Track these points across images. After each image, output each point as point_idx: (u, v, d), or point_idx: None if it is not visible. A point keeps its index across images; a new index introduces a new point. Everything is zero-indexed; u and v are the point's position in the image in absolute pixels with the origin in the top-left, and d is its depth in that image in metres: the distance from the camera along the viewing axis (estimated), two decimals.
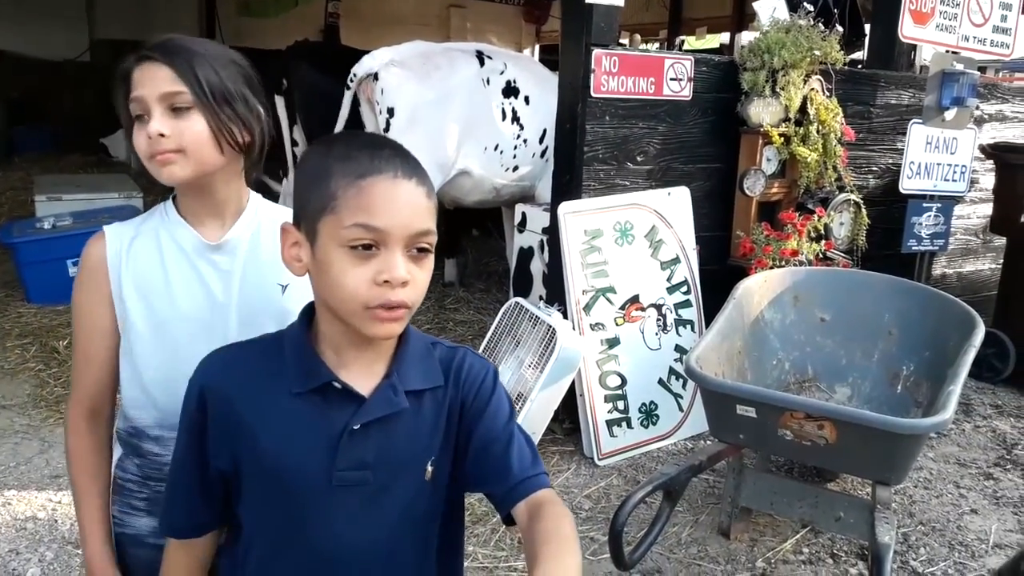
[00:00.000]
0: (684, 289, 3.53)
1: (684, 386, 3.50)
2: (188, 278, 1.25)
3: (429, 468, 1.05)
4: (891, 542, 2.21)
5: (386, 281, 0.96)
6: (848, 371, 3.10)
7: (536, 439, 3.20)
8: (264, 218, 1.31)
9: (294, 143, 4.77)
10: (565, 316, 3.29)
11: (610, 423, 3.31)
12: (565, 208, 3.29)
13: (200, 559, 1.15)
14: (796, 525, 2.86)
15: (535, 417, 3.16)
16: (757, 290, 3.10)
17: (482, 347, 3.52)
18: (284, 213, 1.32)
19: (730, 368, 2.83)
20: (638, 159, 3.50)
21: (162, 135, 1.16)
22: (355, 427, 1.01)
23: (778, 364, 3.11)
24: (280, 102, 4.71)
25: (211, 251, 1.26)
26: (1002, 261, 4.37)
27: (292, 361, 1.04)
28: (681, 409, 3.49)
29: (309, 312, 1.08)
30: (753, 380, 2.94)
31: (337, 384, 1.02)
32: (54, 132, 9.08)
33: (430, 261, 1.02)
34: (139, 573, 1.31)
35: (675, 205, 3.52)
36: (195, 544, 1.13)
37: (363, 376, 1.03)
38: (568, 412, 3.41)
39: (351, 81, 4.04)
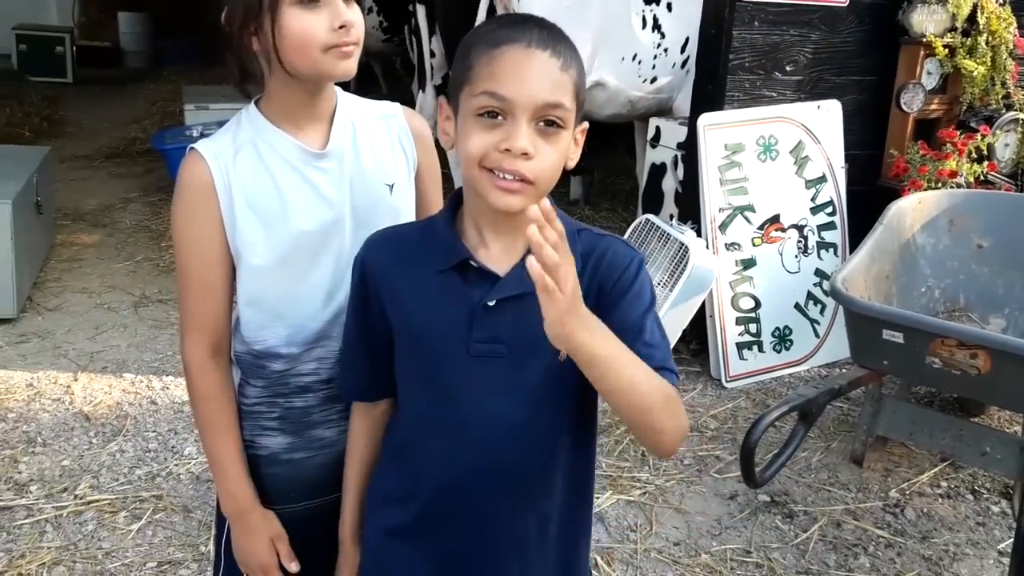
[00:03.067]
0: (829, 210, 3.36)
1: (822, 312, 3.37)
2: (302, 190, 1.20)
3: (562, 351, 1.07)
4: None
5: (507, 149, 0.97)
6: (1005, 302, 2.89)
7: None
8: (355, 116, 1.26)
9: (432, 54, 4.77)
10: (699, 235, 3.20)
11: (740, 346, 3.25)
12: (705, 120, 3.17)
13: (376, 424, 1.21)
14: (934, 458, 2.75)
15: None
16: (910, 212, 2.92)
17: None
18: (370, 107, 1.29)
19: (876, 293, 2.70)
20: (787, 69, 3.31)
21: (346, 26, 1.12)
22: (489, 303, 1.04)
23: (927, 291, 2.94)
24: (421, 11, 4.69)
25: (317, 159, 1.21)
26: None
27: (437, 240, 1.08)
28: (817, 335, 3.38)
29: (459, 194, 1.10)
30: (899, 306, 2.79)
31: (473, 263, 1.05)
32: (200, 44, 9.46)
33: (563, 139, 1.01)
34: (276, 491, 1.29)
35: (825, 120, 3.32)
36: (371, 409, 1.20)
37: (503, 255, 1.06)
38: (696, 333, 3.36)
39: None
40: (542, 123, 0.98)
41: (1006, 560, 2.26)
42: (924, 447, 2.71)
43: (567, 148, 1.03)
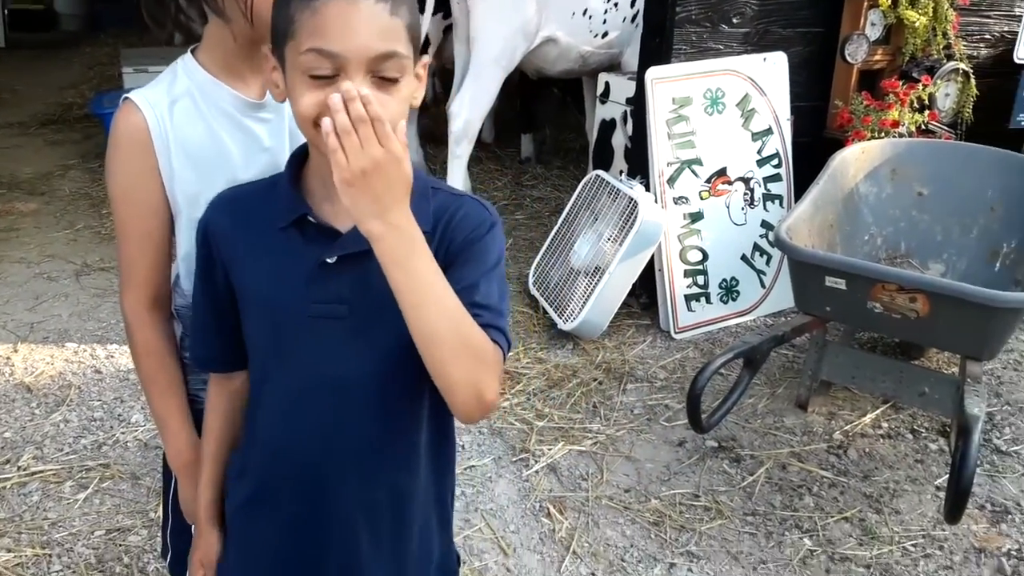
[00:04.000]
0: (775, 162, 3.40)
1: (768, 263, 3.42)
2: (240, 140, 1.20)
3: None
4: (980, 414, 2.16)
5: None
6: (944, 248, 2.97)
7: (612, 312, 3.21)
8: None
9: None
10: (647, 189, 3.22)
11: (688, 298, 3.29)
12: (653, 74, 3.16)
13: (232, 399, 1.17)
14: (876, 401, 2.83)
15: (612, 290, 3.16)
16: (853, 162, 2.96)
17: (560, 221, 3.50)
18: None
19: (820, 242, 2.75)
20: (734, 21, 3.31)
21: None
22: (328, 260, 1.00)
23: (870, 239, 3.00)
24: None
25: (256, 109, 1.20)
26: None
27: (279, 197, 1.04)
28: (763, 286, 3.43)
29: (302, 151, 1.05)
30: (843, 254, 2.84)
31: (312, 218, 1.01)
32: (136, 6, 9.11)
33: (403, 86, 0.94)
34: None
35: (771, 72, 3.34)
36: (226, 383, 1.17)
37: (348, 212, 0.98)
38: (646, 287, 3.39)
39: None
40: (378, 78, 0.92)
41: (943, 494, 2.35)
42: (866, 390, 2.79)
43: (410, 92, 0.97)
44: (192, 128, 1.17)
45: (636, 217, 3.08)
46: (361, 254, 0.96)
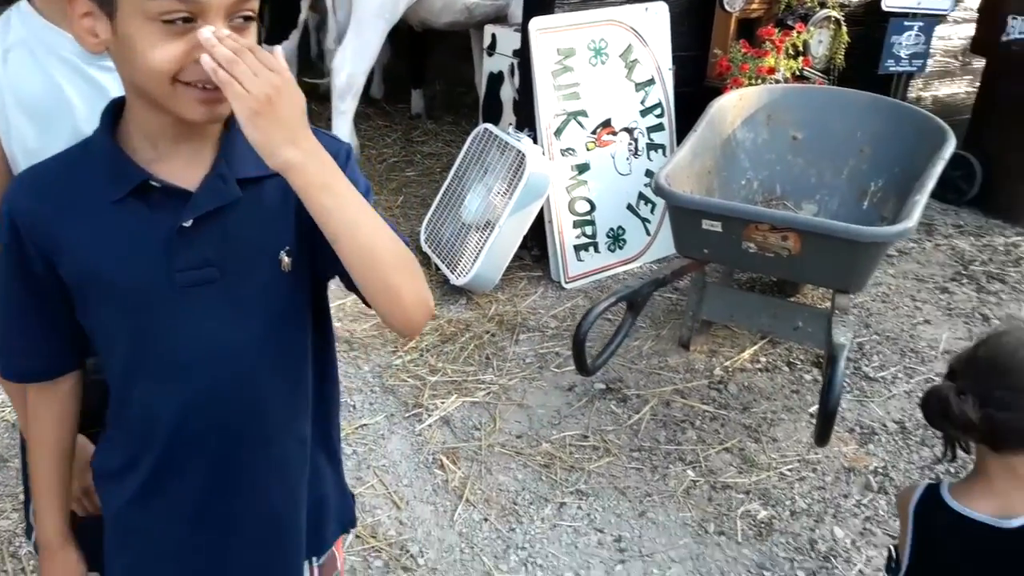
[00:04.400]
0: (658, 112, 3.46)
1: (652, 211, 3.50)
2: (84, 90, 1.11)
3: (285, 258, 0.97)
4: (847, 343, 2.29)
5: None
6: (816, 189, 3.10)
7: (504, 266, 3.22)
8: None
9: None
10: (535, 142, 3.23)
11: (578, 248, 3.34)
12: (536, 24, 3.15)
13: (66, 404, 1.07)
14: (754, 337, 2.96)
15: (503, 243, 3.17)
16: (731, 109, 3.04)
17: (450, 176, 3.47)
18: None
19: (699, 187, 2.82)
20: None
21: None
22: (185, 224, 0.92)
23: (747, 184, 3.10)
24: None
25: (100, 57, 1.07)
26: (979, 84, 4.31)
27: (102, 167, 0.93)
28: (648, 233, 3.51)
29: (114, 108, 0.96)
30: (721, 199, 2.93)
31: (155, 183, 0.92)
32: None
33: (254, 25, 0.90)
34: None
35: (652, 22, 3.38)
36: (54, 390, 1.06)
37: (187, 168, 0.93)
38: (536, 239, 3.42)
39: None
40: (239, 19, 0.87)
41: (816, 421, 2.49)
42: (744, 327, 2.91)
43: (254, 34, 0.91)
44: (29, 79, 1.10)
45: (524, 170, 3.09)
46: (216, 211, 0.92)
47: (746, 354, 2.87)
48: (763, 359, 2.86)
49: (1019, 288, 3.42)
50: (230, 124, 0.94)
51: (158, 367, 0.98)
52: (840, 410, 2.44)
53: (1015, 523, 1.21)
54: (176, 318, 0.96)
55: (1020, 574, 1.24)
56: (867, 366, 2.86)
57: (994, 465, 1.24)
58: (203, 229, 0.93)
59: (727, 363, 2.83)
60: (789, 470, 2.38)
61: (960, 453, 1.31)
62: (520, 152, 3.13)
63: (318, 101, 4.86)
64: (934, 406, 1.26)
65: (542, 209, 3.26)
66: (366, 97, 3.87)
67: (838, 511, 2.24)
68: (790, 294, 3.18)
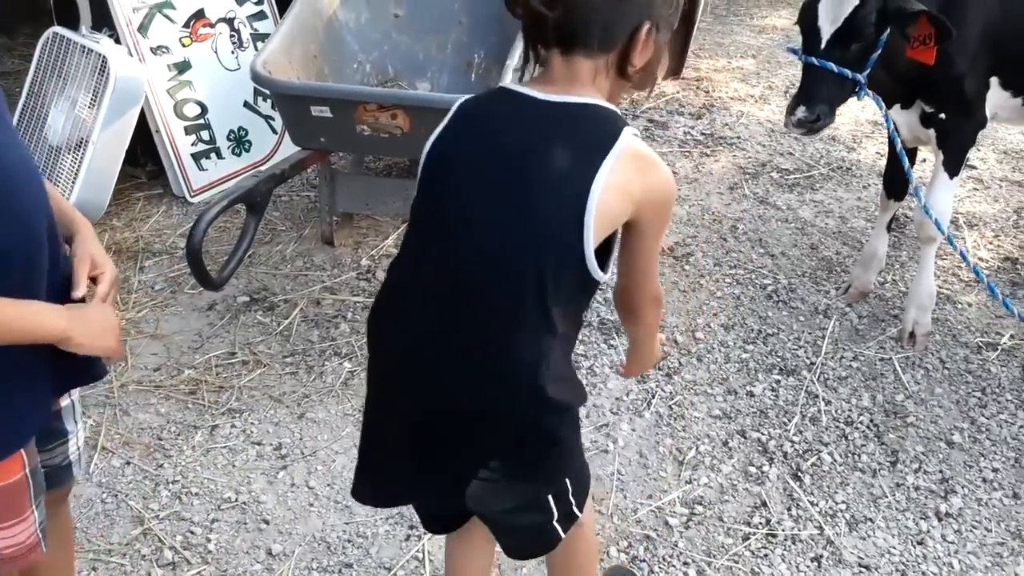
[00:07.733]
0: (256, 0, 3.21)
1: (274, 107, 3.31)
2: None
3: None
4: None
5: None
6: (427, 66, 3.13)
7: (110, 186, 2.86)
8: None
9: None
10: (118, 42, 2.84)
11: (196, 156, 3.06)
12: None
13: None
14: (396, 222, 2.99)
15: (103, 162, 2.80)
16: None
17: (23, 94, 2.95)
18: None
19: (307, 73, 2.69)
20: None
21: None
22: None
23: (359, 67, 3.04)
24: None
25: None
26: None
27: None
28: (274, 131, 3.32)
29: None
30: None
31: None
32: None
33: None
34: None
35: None
36: None
37: None
38: (149, 153, 3.08)
39: None
40: None
41: None
42: (382, 213, 2.92)
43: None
44: None
45: (109, 75, 2.73)
46: None
47: (390, 240, 2.89)
48: None
49: None
50: None
51: None
52: None
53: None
54: None
55: None
56: None
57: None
58: None
59: (372, 252, 2.83)
60: None
61: None
62: (102, 55, 2.74)
63: None
64: None
65: (146, 119, 2.93)
66: None
67: None
68: None
